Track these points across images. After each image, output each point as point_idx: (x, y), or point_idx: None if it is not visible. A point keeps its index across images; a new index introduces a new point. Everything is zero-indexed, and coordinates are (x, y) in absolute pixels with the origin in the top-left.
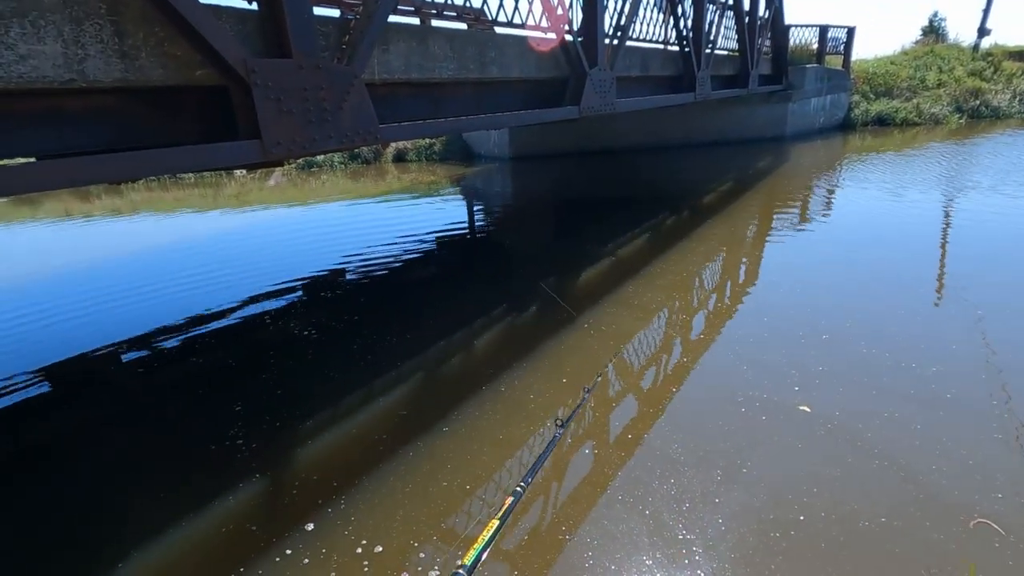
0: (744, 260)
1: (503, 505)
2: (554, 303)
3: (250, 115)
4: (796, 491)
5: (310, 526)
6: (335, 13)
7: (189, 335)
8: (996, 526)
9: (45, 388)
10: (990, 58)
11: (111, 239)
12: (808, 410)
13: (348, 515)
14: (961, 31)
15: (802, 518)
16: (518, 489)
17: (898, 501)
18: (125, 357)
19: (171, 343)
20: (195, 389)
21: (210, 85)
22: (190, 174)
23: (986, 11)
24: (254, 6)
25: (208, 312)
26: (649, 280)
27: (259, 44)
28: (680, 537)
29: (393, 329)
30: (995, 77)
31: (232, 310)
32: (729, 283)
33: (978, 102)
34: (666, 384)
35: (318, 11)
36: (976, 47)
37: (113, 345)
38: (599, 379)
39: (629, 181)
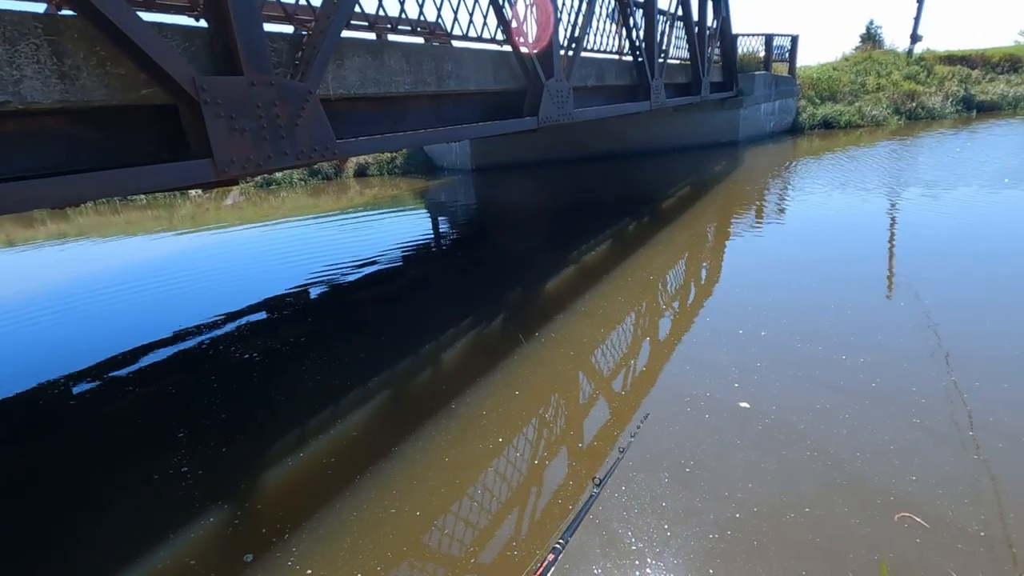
0: (702, 264)
1: (544, 560)
2: (514, 316)
3: (201, 134)
4: (733, 487)
5: (249, 557)
6: (288, 29)
7: (135, 366)
8: (919, 519)
9: None
10: (923, 62)
11: (39, 269)
12: (747, 406)
13: (291, 545)
14: (896, 38)
15: (737, 516)
16: (557, 546)
17: (823, 490)
18: (76, 389)
19: (119, 373)
20: (139, 418)
21: (158, 104)
22: (142, 196)
23: (917, 18)
24: (202, 23)
25: (155, 340)
26: (605, 290)
27: (208, 61)
28: (633, 548)
29: (346, 350)
30: (928, 80)
31: (179, 337)
32: (681, 288)
33: (915, 104)
34: (619, 387)
35: (270, 27)
36: (910, 52)
37: (62, 377)
38: (632, 440)
39: (591, 188)
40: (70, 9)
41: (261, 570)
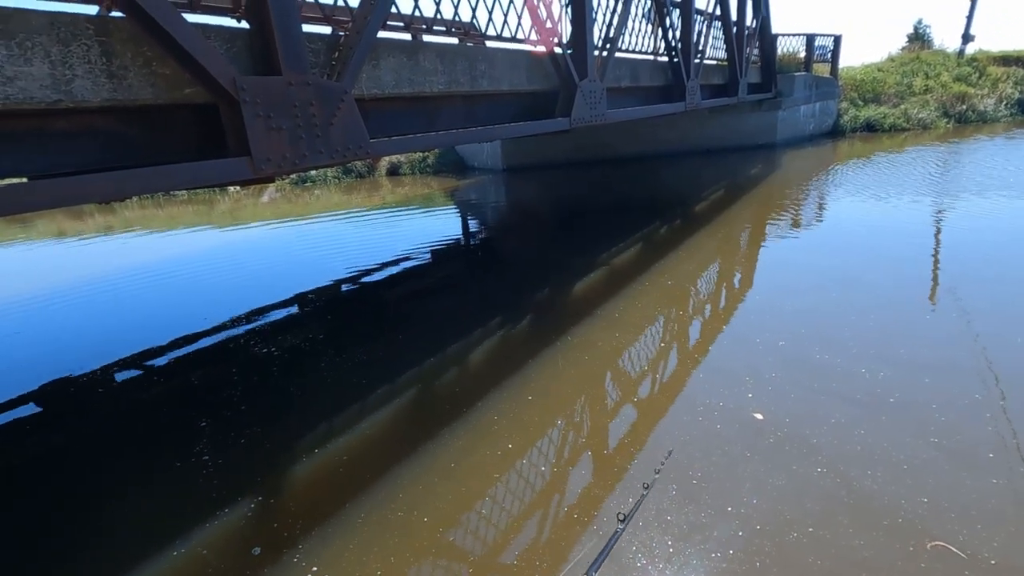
0: (731, 271)
1: None
2: (539, 319)
3: (239, 132)
4: (738, 503)
5: (257, 550)
6: (325, 30)
7: (182, 351)
8: (954, 548)
9: (32, 409)
10: (975, 63)
11: (98, 259)
12: (761, 417)
13: (299, 542)
14: (946, 38)
15: (740, 533)
16: None
17: (829, 509)
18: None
19: (157, 362)
20: (167, 407)
21: (199, 103)
22: (183, 191)
23: (969, 17)
24: (244, 25)
25: (192, 333)
26: (631, 295)
27: (248, 62)
28: (637, 564)
29: (366, 348)
30: (980, 82)
31: (213, 330)
32: (706, 296)
33: (965, 107)
34: (631, 395)
35: (308, 28)
36: (961, 53)
37: (105, 366)
38: (657, 475)
39: (622, 190)
40: (120, 11)
41: (268, 565)
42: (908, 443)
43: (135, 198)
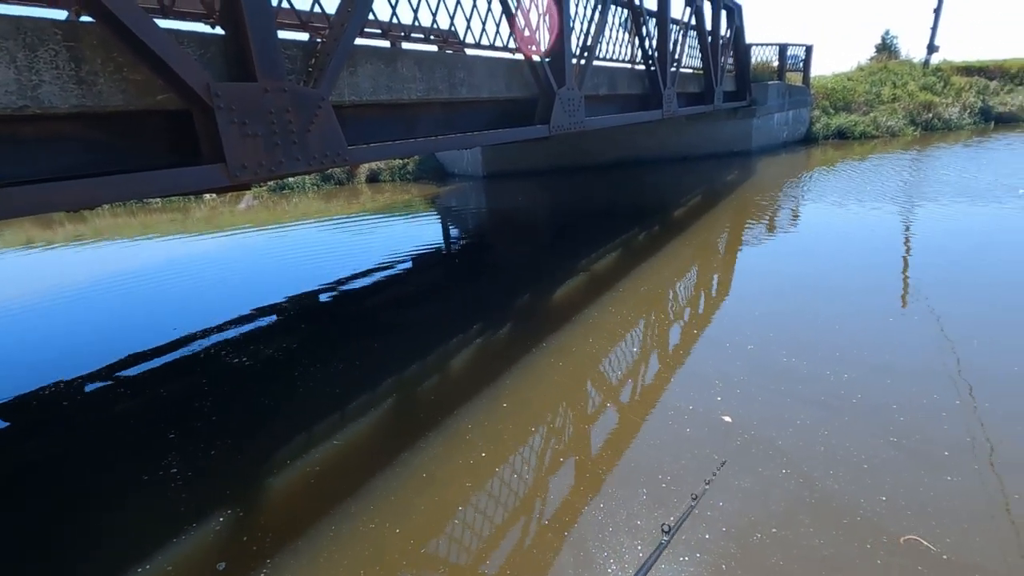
0: (707, 278)
1: None
2: (520, 326)
3: (214, 139)
4: (704, 506)
5: (222, 565)
6: (303, 37)
7: (138, 368)
8: (926, 542)
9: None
10: (940, 73)
11: (70, 268)
12: (729, 420)
13: (266, 555)
14: (912, 48)
15: (707, 536)
16: None
17: (792, 510)
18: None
19: (127, 373)
20: (137, 420)
21: (172, 109)
22: (157, 199)
23: (934, 29)
24: (219, 30)
25: (167, 342)
26: (608, 302)
27: (223, 68)
28: (608, 571)
29: (342, 357)
30: (945, 91)
31: (184, 341)
32: (683, 302)
33: (931, 115)
34: (603, 400)
35: (285, 35)
36: (926, 63)
37: (76, 378)
38: (707, 487)
39: (603, 197)
40: (89, 16)
41: None
42: (868, 443)
43: (107, 206)
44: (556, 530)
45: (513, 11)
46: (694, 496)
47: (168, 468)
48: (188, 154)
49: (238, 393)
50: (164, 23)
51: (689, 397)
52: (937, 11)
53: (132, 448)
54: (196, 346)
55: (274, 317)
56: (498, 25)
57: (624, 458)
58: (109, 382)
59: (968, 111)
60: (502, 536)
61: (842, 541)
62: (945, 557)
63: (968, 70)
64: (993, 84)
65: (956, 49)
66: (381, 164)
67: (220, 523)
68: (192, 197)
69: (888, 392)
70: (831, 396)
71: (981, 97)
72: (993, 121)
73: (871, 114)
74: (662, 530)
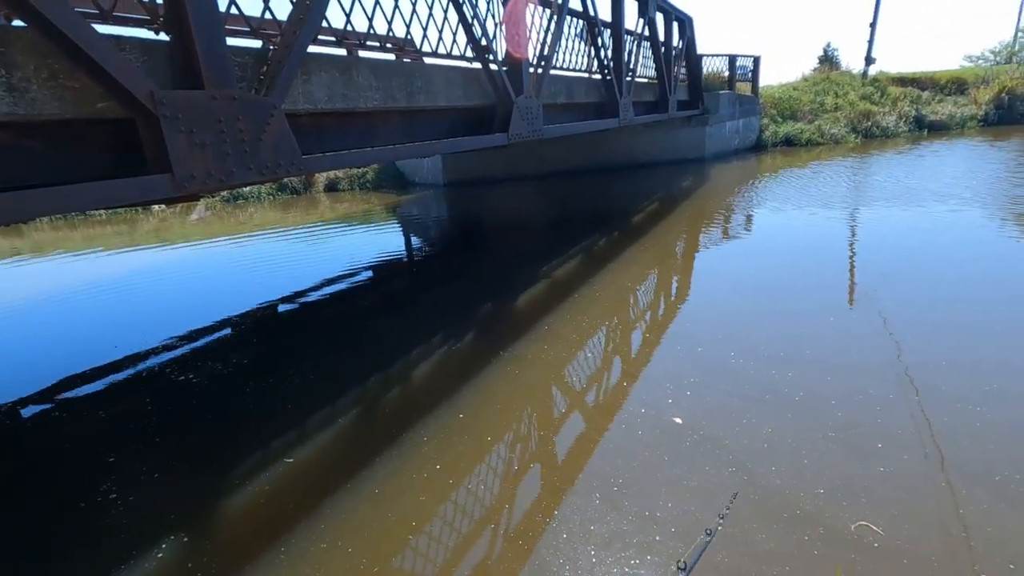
0: (662, 283)
1: None
2: (481, 335)
3: (159, 148)
4: (654, 507)
5: None
6: (255, 44)
7: (90, 387)
8: (875, 527)
9: None
10: (877, 84)
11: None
12: (680, 421)
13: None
14: (852, 60)
15: (657, 538)
16: None
17: (736, 506)
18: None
19: (66, 395)
20: (95, 442)
21: (115, 118)
22: (101, 210)
23: (870, 42)
24: (163, 37)
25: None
26: (565, 309)
27: (168, 75)
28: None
29: (297, 372)
30: (882, 100)
31: (128, 361)
32: (642, 307)
33: (870, 123)
34: (557, 407)
35: (236, 42)
36: (865, 74)
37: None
38: (721, 521)
39: (563, 204)
40: (20, 19)
41: None
42: (808, 438)
43: (46, 219)
44: (511, 539)
45: (470, 20)
46: (708, 531)
47: (107, 494)
48: (134, 164)
49: (185, 413)
50: (105, 29)
51: (642, 400)
52: (873, 25)
53: (68, 475)
54: (141, 365)
55: (228, 331)
56: (455, 34)
57: (577, 464)
58: (47, 405)
59: (904, 119)
60: (458, 549)
61: (782, 535)
62: (877, 545)
63: (903, 81)
64: (925, 94)
65: (891, 61)
66: (340, 173)
67: (162, 550)
68: (140, 208)
69: (828, 388)
70: (775, 394)
71: (915, 106)
72: (926, 129)
73: (816, 122)
74: (677, 567)
